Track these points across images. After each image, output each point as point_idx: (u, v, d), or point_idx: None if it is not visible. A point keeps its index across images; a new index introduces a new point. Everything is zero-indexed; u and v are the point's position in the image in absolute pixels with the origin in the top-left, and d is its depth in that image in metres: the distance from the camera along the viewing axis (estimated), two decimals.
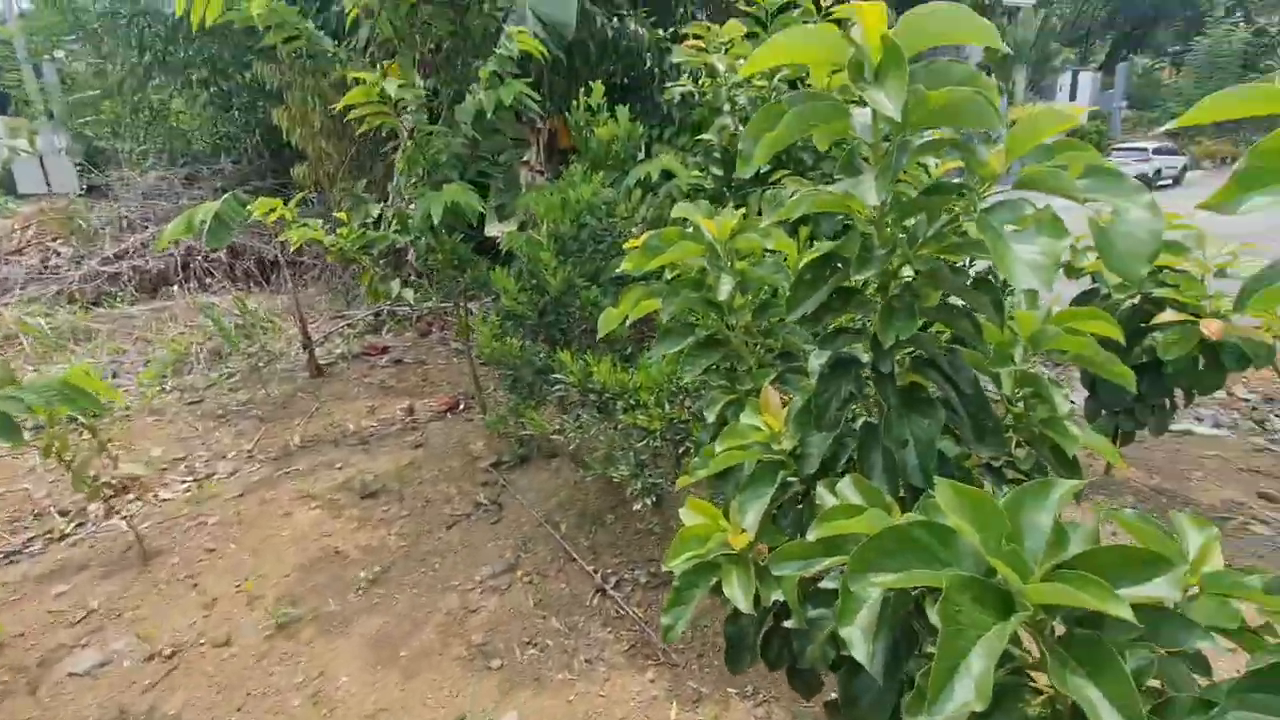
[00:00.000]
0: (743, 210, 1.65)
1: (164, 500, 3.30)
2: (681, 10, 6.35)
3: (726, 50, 3.48)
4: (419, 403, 4.50)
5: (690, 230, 1.64)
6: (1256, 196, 0.55)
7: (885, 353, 1.05)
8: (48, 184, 13.46)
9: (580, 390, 2.34)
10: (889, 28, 1.00)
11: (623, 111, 2.90)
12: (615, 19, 4.87)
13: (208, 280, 6.76)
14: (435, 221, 2.41)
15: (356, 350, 5.32)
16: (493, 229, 3.45)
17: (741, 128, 3.72)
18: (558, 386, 2.41)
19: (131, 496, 3.19)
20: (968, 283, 1.05)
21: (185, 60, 8.58)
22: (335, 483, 3.36)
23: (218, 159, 9.50)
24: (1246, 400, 4.42)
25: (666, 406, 2.27)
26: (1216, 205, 0.57)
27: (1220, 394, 4.32)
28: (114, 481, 3.06)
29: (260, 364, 5.03)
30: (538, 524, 3.01)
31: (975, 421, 1.07)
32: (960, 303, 1.07)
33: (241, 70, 8.77)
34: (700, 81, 3.69)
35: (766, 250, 1.65)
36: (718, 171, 3.84)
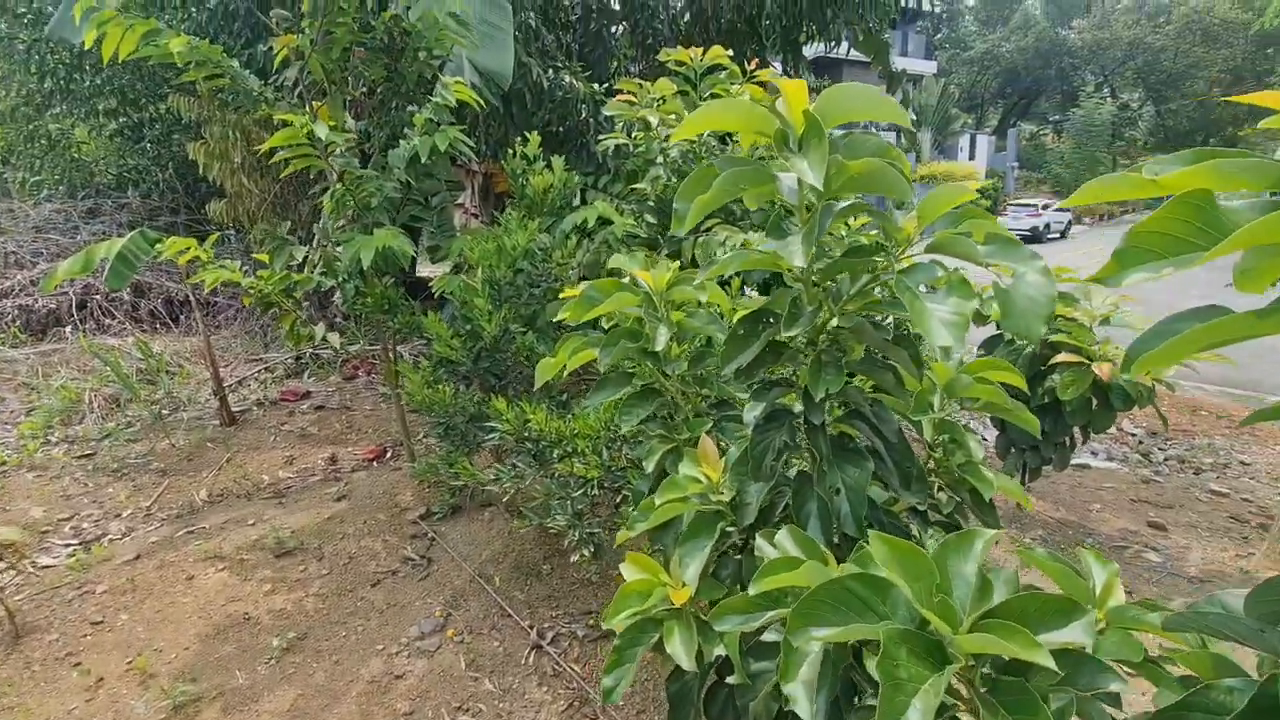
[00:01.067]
0: (677, 263, 1.69)
1: (43, 568, 2.96)
2: (616, 65, 6.60)
3: (658, 106, 3.62)
4: (343, 451, 4.28)
5: (627, 281, 1.67)
6: (1133, 273, 0.62)
7: (816, 405, 1.09)
8: None
9: (516, 439, 2.29)
10: (809, 101, 1.07)
11: (558, 161, 2.95)
12: (551, 70, 5.00)
13: (107, 321, 6.26)
14: (365, 266, 2.34)
15: (274, 396, 5.03)
16: (425, 270, 3.38)
17: (674, 179, 3.86)
18: (493, 435, 2.35)
19: (1, 565, 2.84)
20: (888, 337, 1.12)
21: (92, 89, 8.12)
22: (246, 541, 3.12)
23: (124, 192, 8.93)
24: (1134, 434, 4.84)
25: (604, 454, 2.25)
26: (1103, 279, 0.64)
27: (1112, 430, 4.72)
28: None
29: (165, 412, 4.67)
30: (470, 578, 2.88)
31: (901, 469, 1.12)
32: (881, 356, 1.14)
33: (155, 102, 8.39)
34: (634, 134, 3.82)
35: (700, 302, 1.70)
36: (651, 219, 3.95)
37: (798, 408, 1.19)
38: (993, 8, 42.85)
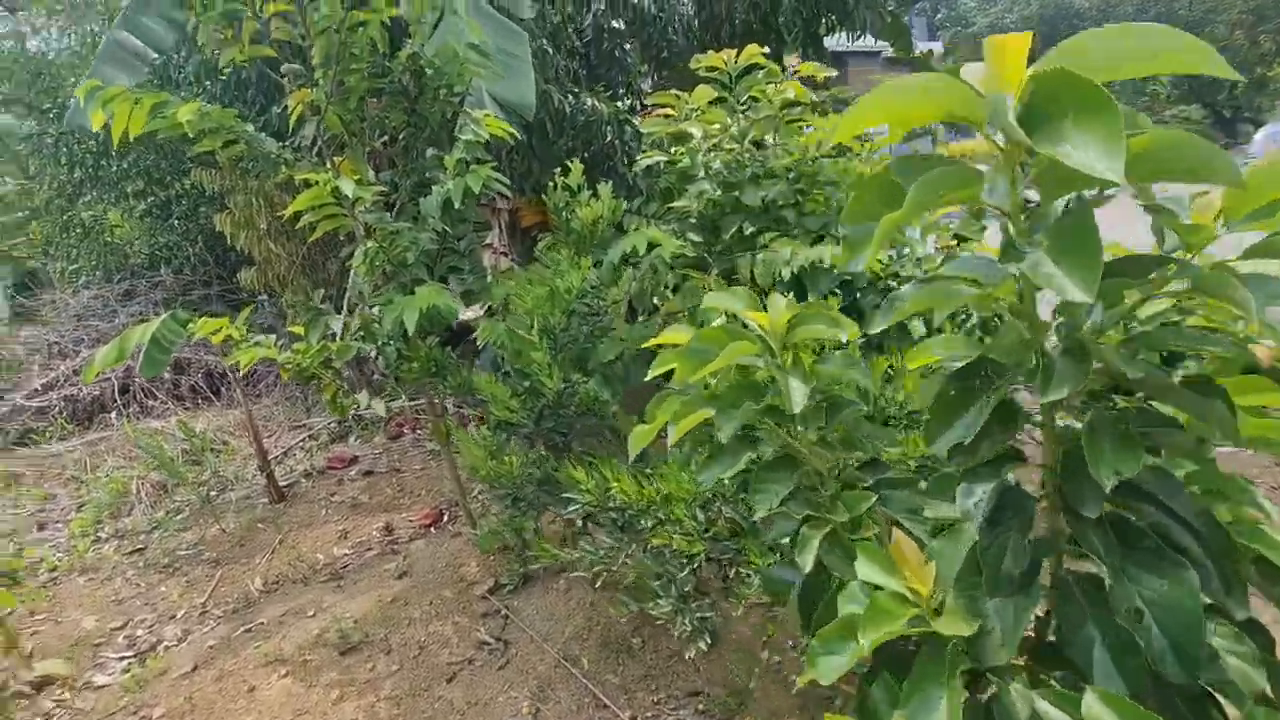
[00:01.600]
0: (790, 296, 1.38)
1: (98, 688, 2.75)
2: (629, 83, 6.37)
3: (696, 116, 3.34)
4: (398, 518, 4.04)
5: (736, 325, 1.36)
6: None
7: (1091, 493, 0.76)
8: None
9: (598, 508, 1.99)
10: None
11: (604, 189, 2.68)
12: (570, 96, 4.78)
13: (150, 403, 6.21)
14: (411, 330, 2.08)
15: (321, 464, 4.84)
16: (464, 314, 3.15)
17: (720, 192, 3.56)
18: (572, 507, 2.05)
19: (50, 704, 2.62)
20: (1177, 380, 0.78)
21: (119, 173, 8.26)
22: (308, 637, 2.86)
23: (157, 270, 9.02)
24: None
25: (700, 516, 1.93)
26: None
27: None
28: (27, 690, 2.51)
29: (213, 494, 4.50)
30: (554, 662, 2.57)
31: (1220, 568, 0.77)
32: (1167, 411, 0.80)
33: (179, 178, 8.49)
34: (673, 150, 3.54)
35: (831, 342, 1.38)
36: (697, 238, 3.65)
37: (1033, 488, 0.85)
38: None
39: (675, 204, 3.54)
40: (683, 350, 1.29)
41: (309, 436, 5.40)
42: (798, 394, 1.18)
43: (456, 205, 2.47)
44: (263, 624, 3.05)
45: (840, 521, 1.18)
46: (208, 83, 6.21)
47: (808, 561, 1.13)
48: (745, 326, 1.34)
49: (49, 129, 8.28)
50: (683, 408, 1.42)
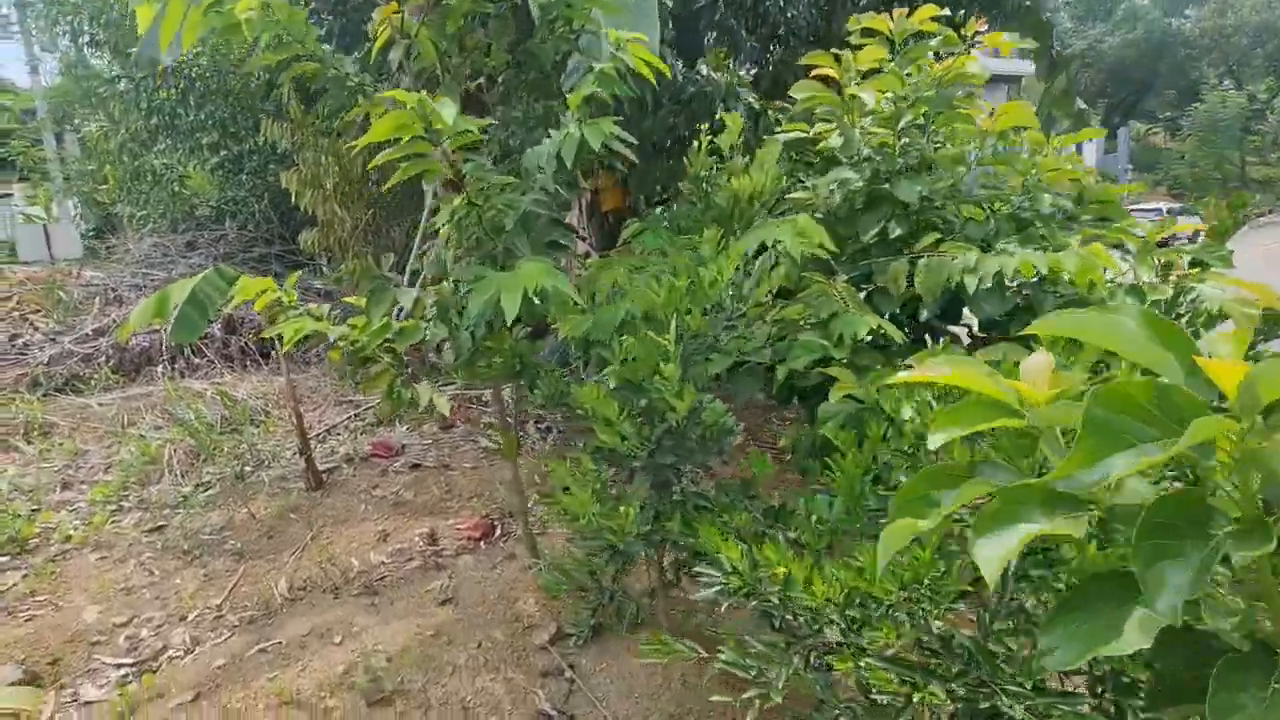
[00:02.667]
0: (1049, 359, 0.76)
1: (85, 704, 2.30)
2: (736, 58, 5.73)
3: (864, 82, 2.71)
4: (443, 525, 3.53)
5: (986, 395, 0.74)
6: None
7: None
8: (50, 251, 12.99)
9: (746, 594, 1.40)
10: None
11: (769, 149, 2.07)
12: (680, 63, 4.19)
13: (197, 361, 5.92)
14: (510, 318, 1.50)
15: (365, 450, 4.39)
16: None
17: (869, 181, 2.92)
18: (707, 589, 1.46)
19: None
20: None
21: (195, 124, 8.09)
22: (332, 674, 2.36)
23: (221, 223, 8.86)
24: None
25: (924, 620, 1.31)
26: None
27: None
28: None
29: (247, 469, 4.10)
30: None
31: None
32: None
33: (253, 133, 8.28)
34: (817, 128, 2.91)
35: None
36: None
37: None
38: (1091, 2, 39.91)
39: (794, 195, 2.91)
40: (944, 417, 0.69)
41: (355, 416, 4.98)
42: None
43: (569, 164, 1.90)
44: (281, 645, 2.57)
45: None
46: None
47: None
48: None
49: (130, 73, 8.16)
50: (951, 477, 0.83)
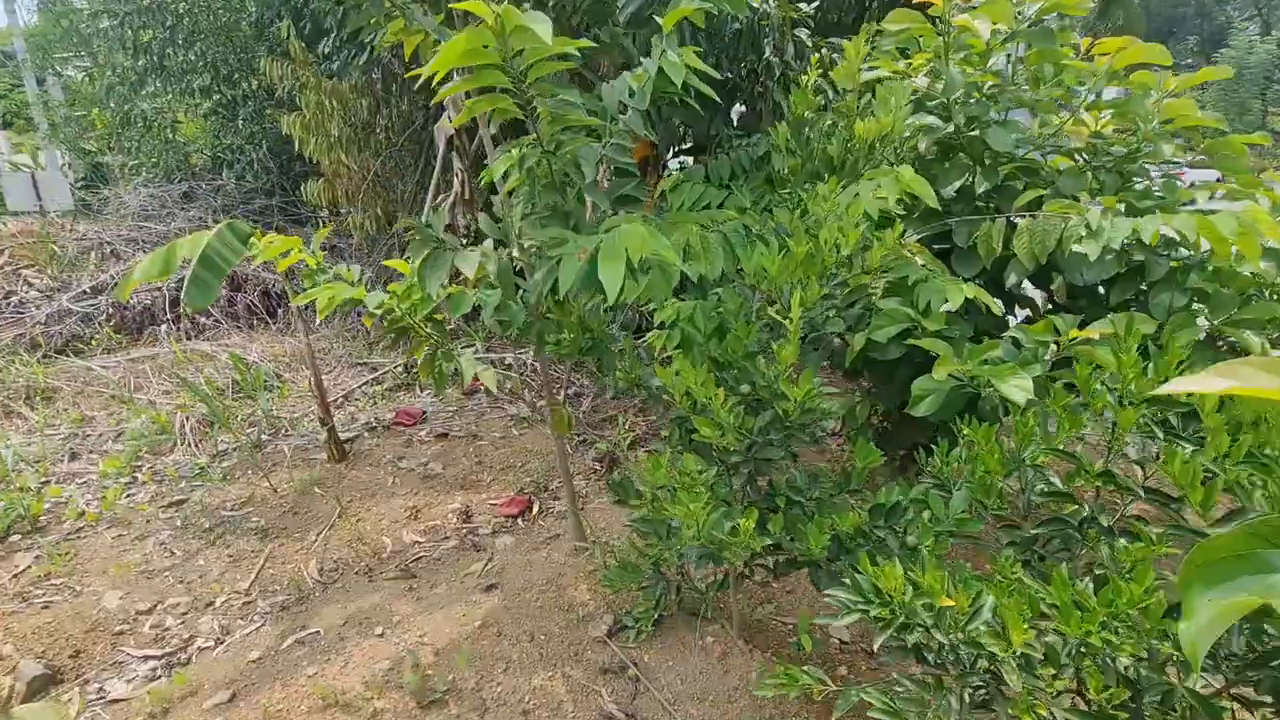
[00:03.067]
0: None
1: (112, 702, 2.13)
2: None
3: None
4: (477, 500, 3.34)
5: None
6: None
7: None
8: (39, 201, 12.49)
9: (901, 628, 1.18)
10: None
11: (896, 90, 1.75)
12: None
13: (202, 320, 5.63)
14: (612, 297, 1.21)
15: (387, 417, 4.17)
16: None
17: (951, 126, 2.59)
18: (843, 617, 1.24)
19: None
20: None
21: (185, 65, 7.58)
22: (377, 670, 2.18)
23: (219, 174, 8.42)
24: None
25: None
26: None
27: None
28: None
29: (264, 437, 3.88)
30: None
31: None
32: None
33: (248, 75, 7.78)
34: (905, 62, 2.56)
35: None
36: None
37: None
38: None
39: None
40: None
41: (373, 379, 4.74)
42: None
43: (644, 104, 1.59)
44: (318, 635, 2.39)
45: None
46: None
47: None
48: None
49: (115, 7, 7.58)
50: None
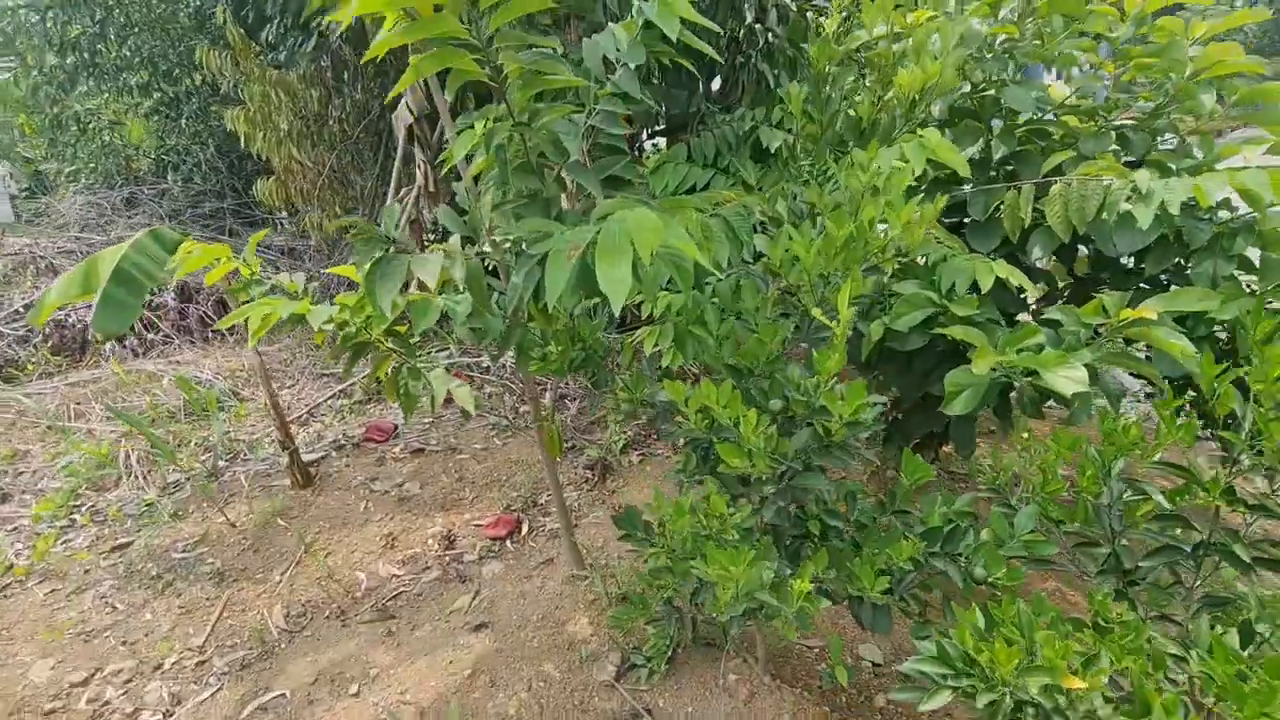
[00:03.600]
0: None
1: None
2: None
3: None
4: (460, 522, 3.05)
5: None
6: None
7: None
8: None
9: (1000, 713, 0.93)
10: None
11: (946, 28, 1.47)
12: None
13: (150, 335, 5.20)
14: (617, 306, 0.91)
15: (356, 433, 3.83)
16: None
17: (966, 86, 2.33)
18: (932, 700, 0.97)
19: None
20: None
21: (119, 61, 7.03)
22: None
23: (163, 177, 7.89)
24: None
25: None
26: None
27: None
28: None
29: (222, 463, 3.53)
30: None
31: None
32: None
33: (189, 71, 7.26)
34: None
35: None
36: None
37: None
38: None
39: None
40: None
41: (340, 392, 4.39)
42: None
43: (640, 57, 1.30)
44: (284, 699, 2.09)
45: None
46: None
47: None
48: None
49: (36, 1, 6.99)
50: None
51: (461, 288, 1.34)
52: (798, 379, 1.21)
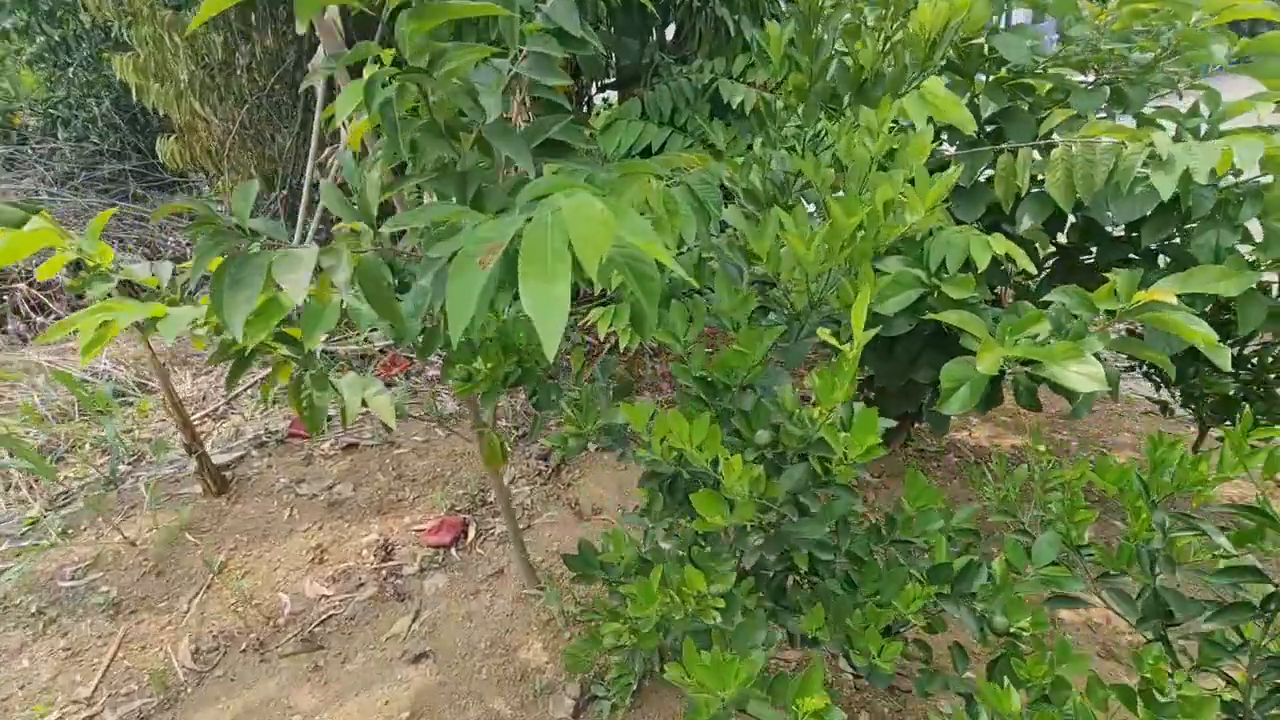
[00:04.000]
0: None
1: None
2: None
3: None
4: (398, 527, 2.75)
5: None
6: None
7: None
8: None
9: None
10: None
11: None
12: None
13: (39, 319, 4.60)
14: (550, 343, 0.65)
15: (280, 429, 3.45)
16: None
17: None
18: None
19: None
20: None
21: None
22: None
23: (54, 135, 7.01)
24: None
25: None
26: None
27: None
28: None
29: (124, 467, 3.11)
30: None
31: None
32: None
33: (74, 11, 6.37)
34: None
35: None
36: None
37: None
38: None
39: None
40: None
41: (261, 380, 3.95)
42: None
43: None
44: None
45: None
46: None
47: None
48: None
49: None
50: None
51: (356, 292, 1.03)
52: (792, 405, 0.96)
